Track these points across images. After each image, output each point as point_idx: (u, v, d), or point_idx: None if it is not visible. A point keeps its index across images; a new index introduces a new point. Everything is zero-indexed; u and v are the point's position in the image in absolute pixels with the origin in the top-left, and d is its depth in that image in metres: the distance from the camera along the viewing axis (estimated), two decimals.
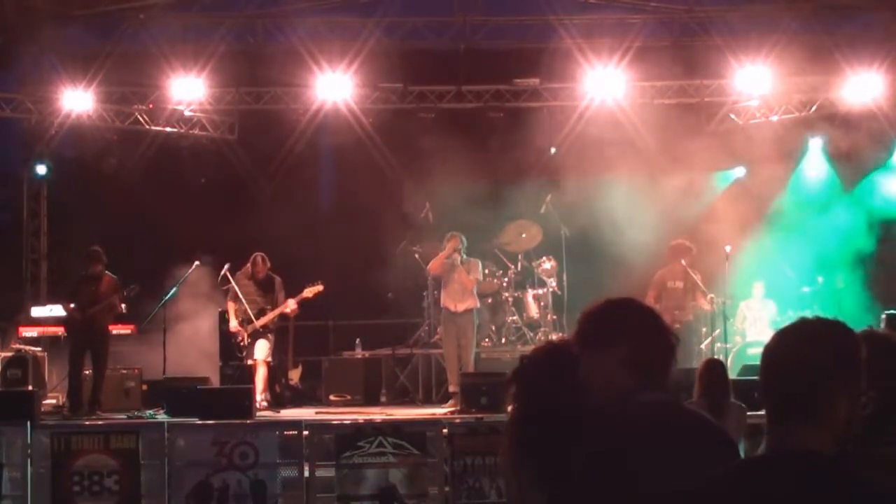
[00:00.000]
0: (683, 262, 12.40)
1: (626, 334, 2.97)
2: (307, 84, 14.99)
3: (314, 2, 15.70)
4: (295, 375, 14.03)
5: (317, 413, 11.82)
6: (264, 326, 12.20)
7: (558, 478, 3.00)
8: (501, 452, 3.43)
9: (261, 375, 12.07)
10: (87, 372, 11.90)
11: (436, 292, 13.32)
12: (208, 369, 12.94)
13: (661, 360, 3.01)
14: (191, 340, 13.50)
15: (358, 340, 14.35)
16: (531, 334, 13.85)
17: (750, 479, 2.29)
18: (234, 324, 12.29)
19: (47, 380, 13.05)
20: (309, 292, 12.35)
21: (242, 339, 12.20)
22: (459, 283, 12.18)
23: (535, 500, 3.15)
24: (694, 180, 14.39)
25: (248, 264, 12.45)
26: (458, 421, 9.39)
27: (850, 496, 2.20)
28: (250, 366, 12.16)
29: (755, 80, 14.68)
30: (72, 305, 11.91)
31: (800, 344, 2.33)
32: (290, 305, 12.24)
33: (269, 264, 12.49)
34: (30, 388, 11.88)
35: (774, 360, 2.35)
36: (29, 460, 8.65)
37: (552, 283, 14.08)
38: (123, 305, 12.71)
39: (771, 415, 2.34)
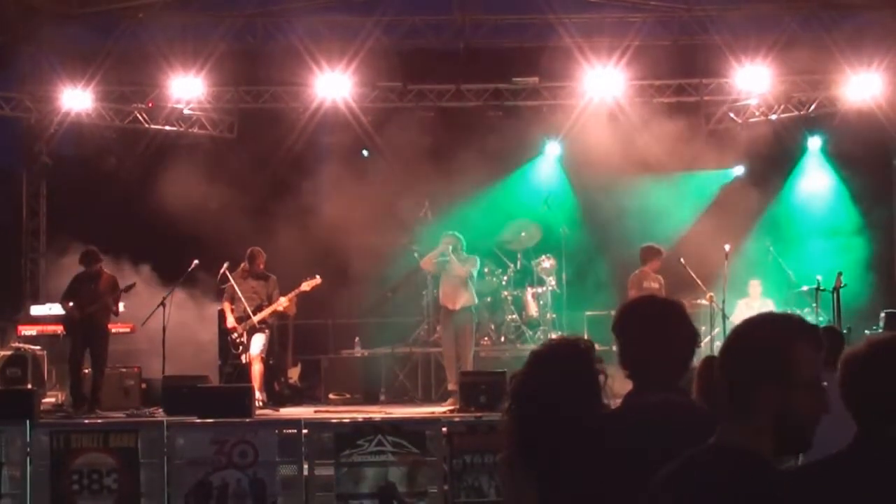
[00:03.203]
0: (654, 264, 12.45)
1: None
2: (306, 83, 14.99)
3: (313, 1, 15.71)
4: (294, 374, 14.03)
5: (316, 412, 11.82)
6: (261, 322, 12.20)
7: (556, 477, 3.00)
8: (501, 451, 3.44)
9: (256, 372, 12.05)
10: (86, 371, 11.91)
11: (435, 291, 13.32)
12: (207, 368, 12.93)
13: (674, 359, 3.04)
14: (190, 339, 13.49)
15: (357, 339, 14.36)
16: (530, 333, 13.85)
17: (676, 476, 2.33)
18: (230, 321, 12.29)
19: (46, 378, 13.05)
20: (307, 286, 12.33)
21: (240, 336, 12.20)
22: (454, 280, 12.16)
23: (533, 499, 3.15)
24: (693, 179, 14.39)
25: (245, 261, 12.45)
26: (457, 419, 9.39)
27: (746, 491, 2.23)
28: (248, 363, 12.16)
29: (754, 79, 14.68)
30: (70, 304, 11.92)
31: (733, 341, 2.37)
32: (282, 303, 12.24)
33: (265, 257, 12.50)
34: (29, 386, 11.87)
35: (719, 359, 2.40)
36: (28, 459, 8.65)
37: (551, 281, 14.08)
38: (122, 305, 12.71)
39: (718, 410, 2.40)
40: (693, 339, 3.05)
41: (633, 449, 2.81)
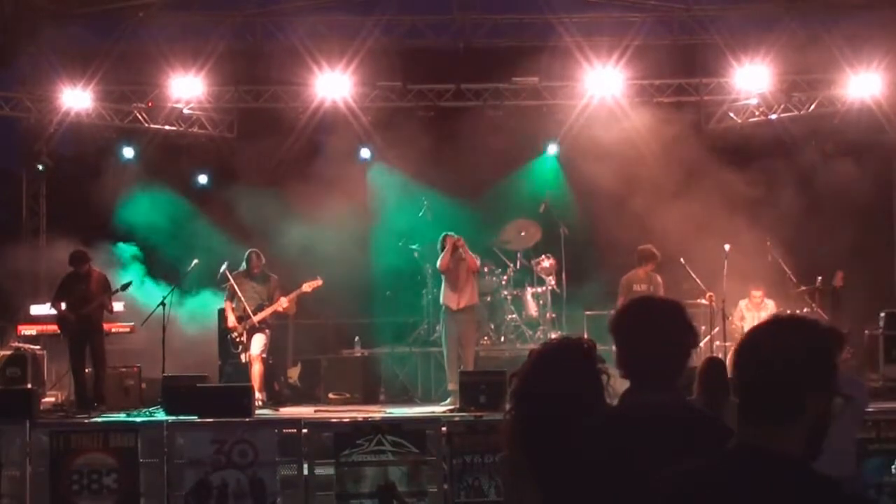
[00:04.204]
0: (647, 267, 12.52)
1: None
2: (306, 82, 14.98)
3: (313, 0, 15.71)
4: (294, 374, 14.03)
5: (316, 411, 11.82)
6: (261, 322, 12.21)
7: (558, 477, 3.00)
8: (501, 450, 3.44)
9: (256, 372, 12.06)
10: (87, 370, 11.91)
11: (435, 290, 13.33)
12: (207, 367, 12.93)
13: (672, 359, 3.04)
14: (190, 338, 13.50)
15: (357, 339, 14.35)
16: (530, 332, 13.85)
17: (712, 477, 2.28)
18: (231, 320, 12.31)
19: (46, 378, 13.04)
20: (308, 287, 12.36)
21: (239, 336, 12.20)
22: (456, 280, 12.18)
23: (534, 499, 3.15)
24: (692, 178, 14.38)
25: (244, 262, 12.48)
26: (457, 419, 9.40)
27: (810, 498, 2.19)
28: (248, 363, 12.16)
29: (754, 79, 14.68)
30: (62, 306, 11.91)
31: (771, 344, 2.30)
32: (283, 304, 12.25)
33: (263, 260, 12.52)
34: (29, 386, 11.87)
35: (745, 360, 2.33)
36: (28, 459, 8.64)
37: (551, 281, 14.08)
38: (122, 304, 12.69)
39: (742, 413, 2.32)
40: (691, 339, 3.04)
41: (629, 448, 2.81)
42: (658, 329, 2.99)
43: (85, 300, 11.81)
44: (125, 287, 12.16)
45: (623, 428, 2.90)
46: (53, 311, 12.27)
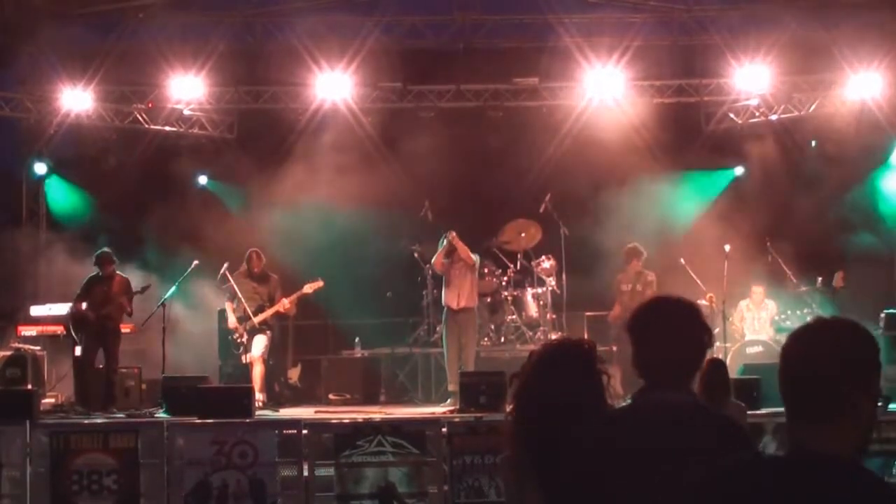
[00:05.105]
0: (633, 264, 12.60)
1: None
2: (306, 83, 14.98)
3: (313, 1, 15.70)
4: (294, 374, 14.04)
5: (316, 412, 11.82)
6: (262, 323, 12.21)
7: (561, 477, 3.00)
8: (501, 451, 3.43)
9: (257, 373, 12.07)
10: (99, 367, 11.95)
11: (435, 291, 13.33)
12: (207, 368, 12.93)
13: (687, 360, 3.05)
14: (190, 339, 13.50)
15: (357, 339, 14.36)
16: (530, 333, 13.85)
17: (768, 480, 2.27)
18: (231, 320, 12.32)
19: (46, 379, 13.04)
20: (309, 288, 12.38)
21: (240, 336, 12.21)
22: (457, 280, 12.19)
23: (534, 499, 3.15)
24: (693, 179, 14.39)
25: (244, 262, 12.49)
26: (457, 420, 9.40)
27: (867, 501, 2.19)
28: (248, 364, 12.17)
29: (754, 79, 14.68)
30: (83, 305, 11.95)
31: (819, 345, 2.31)
32: (284, 304, 12.27)
33: (264, 260, 12.54)
34: (29, 386, 11.87)
35: (793, 362, 2.33)
36: (28, 459, 8.65)
37: (551, 282, 14.08)
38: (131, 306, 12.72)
39: (790, 416, 2.32)
40: (705, 339, 3.05)
41: (641, 448, 2.81)
42: (673, 329, 3.01)
43: (105, 302, 11.88)
44: (145, 289, 12.21)
45: (632, 427, 2.91)
46: (57, 312, 12.26)
